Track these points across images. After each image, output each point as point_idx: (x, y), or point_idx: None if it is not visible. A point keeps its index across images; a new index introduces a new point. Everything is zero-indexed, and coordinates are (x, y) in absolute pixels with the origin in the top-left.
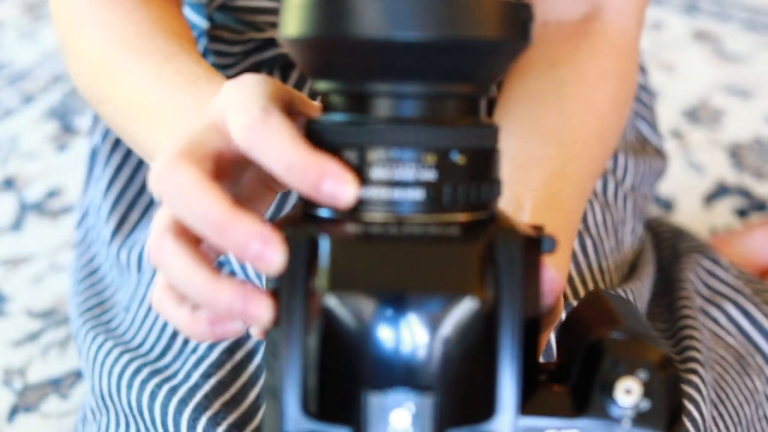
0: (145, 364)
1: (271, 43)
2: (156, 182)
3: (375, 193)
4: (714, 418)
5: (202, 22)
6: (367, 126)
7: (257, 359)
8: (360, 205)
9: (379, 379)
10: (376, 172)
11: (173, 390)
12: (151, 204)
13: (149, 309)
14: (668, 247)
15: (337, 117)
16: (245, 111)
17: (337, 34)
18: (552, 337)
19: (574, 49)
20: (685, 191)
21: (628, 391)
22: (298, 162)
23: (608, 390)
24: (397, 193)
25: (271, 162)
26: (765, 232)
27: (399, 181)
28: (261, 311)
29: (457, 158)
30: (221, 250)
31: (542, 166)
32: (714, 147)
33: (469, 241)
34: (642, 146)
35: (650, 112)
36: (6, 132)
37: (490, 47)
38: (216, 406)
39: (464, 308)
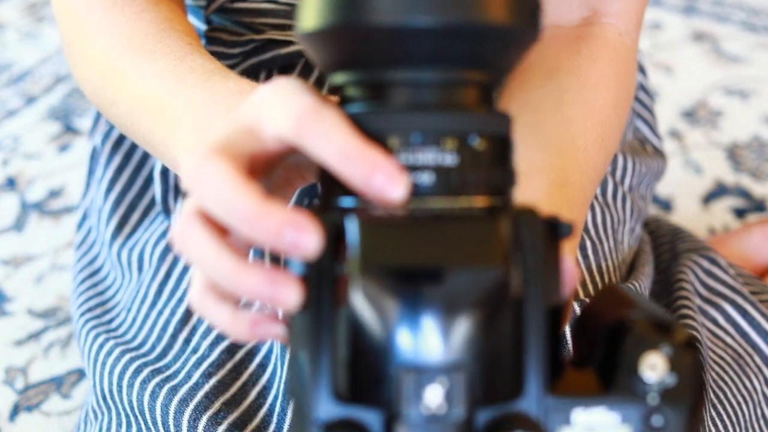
0: (145, 364)
1: (270, 44)
2: (189, 177)
3: None
4: (712, 418)
5: (200, 25)
6: (385, 113)
7: (258, 359)
8: None
9: (411, 357)
10: (397, 159)
11: (174, 389)
12: (151, 205)
13: (150, 309)
14: (667, 247)
15: (355, 108)
16: (296, 101)
17: (354, 23)
18: (567, 334)
19: (573, 54)
20: (684, 191)
21: (653, 367)
22: (354, 151)
23: (633, 367)
24: (419, 178)
25: (325, 150)
26: (763, 231)
27: (420, 166)
28: (289, 295)
29: (476, 143)
30: (254, 242)
31: (544, 174)
32: (712, 147)
33: (494, 217)
34: (641, 147)
35: (649, 113)
36: (8, 132)
37: (503, 33)
38: (217, 405)
39: (493, 281)
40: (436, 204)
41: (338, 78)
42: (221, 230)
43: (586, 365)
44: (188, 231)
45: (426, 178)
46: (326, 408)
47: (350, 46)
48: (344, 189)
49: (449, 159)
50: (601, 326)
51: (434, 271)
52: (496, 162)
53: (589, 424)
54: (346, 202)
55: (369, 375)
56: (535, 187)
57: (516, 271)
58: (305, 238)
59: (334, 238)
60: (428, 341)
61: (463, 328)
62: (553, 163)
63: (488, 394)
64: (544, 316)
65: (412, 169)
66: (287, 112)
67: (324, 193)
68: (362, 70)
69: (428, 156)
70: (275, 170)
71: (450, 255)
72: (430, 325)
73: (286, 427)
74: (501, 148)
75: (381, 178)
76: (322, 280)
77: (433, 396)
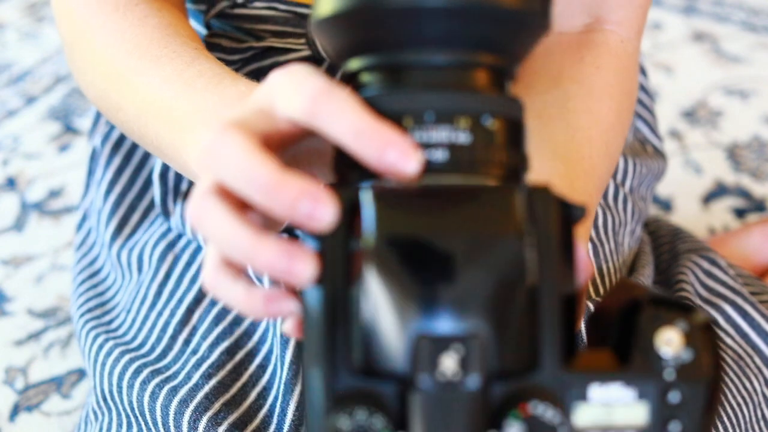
0: (145, 365)
1: (270, 51)
2: (207, 151)
3: None
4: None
5: (200, 29)
6: (399, 94)
7: (258, 359)
8: None
9: (426, 327)
10: (410, 136)
11: (174, 390)
12: (151, 207)
13: (149, 310)
14: (666, 248)
15: (369, 92)
16: (309, 83)
17: (369, 5)
18: (582, 330)
19: (577, 62)
20: (684, 191)
21: (668, 342)
22: (367, 128)
23: (649, 343)
24: (432, 155)
25: (339, 128)
26: (763, 231)
27: (433, 144)
28: (304, 268)
29: (489, 123)
30: (271, 214)
31: (551, 182)
32: (712, 147)
33: (507, 191)
34: (641, 147)
35: (649, 113)
36: (8, 132)
37: (515, 16)
38: (217, 406)
39: (508, 251)
40: (450, 180)
41: (353, 64)
42: (238, 205)
43: (601, 347)
44: (204, 205)
45: (439, 155)
46: (342, 381)
47: (365, 29)
48: (359, 172)
49: (462, 137)
50: (614, 312)
51: (447, 243)
52: (508, 143)
53: (605, 399)
54: (360, 182)
55: (384, 348)
56: None
57: (530, 243)
58: (321, 209)
59: (349, 213)
60: (443, 313)
61: (478, 299)
62: (560, 171)
63: (504, 366)
64: (557, 291)
65: (425, 146)
66: (300, 92)
67: (338, 178)
68: (377, 53)
69: (442, 134)
70: (287, 154)
71: (465, 225)
72: (444, 294)
73: (286, 427)
74: (513, 130)
75: (394, 153)
76: (337, 254)
77: (449, 363)
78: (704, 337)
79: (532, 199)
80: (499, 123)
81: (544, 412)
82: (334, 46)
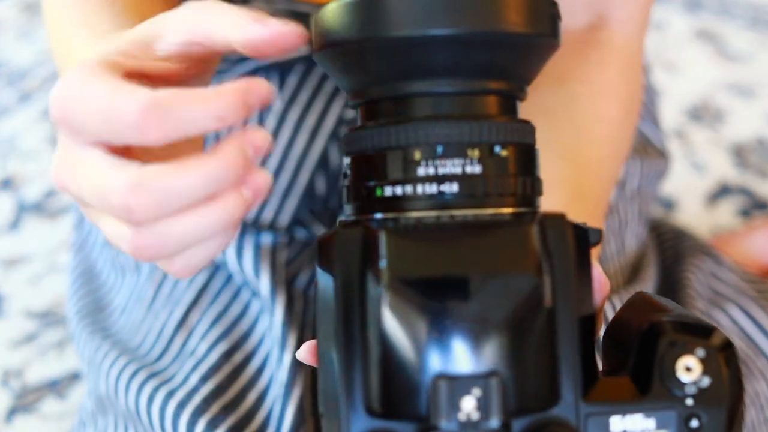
0: (142, 367)
1: None
2: (54, 102)
3: (422, 189)
4: None
5: None
6: (409, 126)
7: (256, 362)
8: (409, 202)
9: (444, 368)
10: (422, 170)
11: (171, 393)
12: None
13: (147, 311)
14: (670, 249)
15: (377, 123)
16: (188, 5)
17: (373, 36)
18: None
19: (582, 61)
20: (688, 191)
21: (688, 369)
22: (244, 16)
23: (668, 370)
24: (444, 188)
25: (220, 28)
26: (767, 232)
27: (445, 176)
28: (264, 92)
29: (500, 151)
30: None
31: (561, 185)
32: (716, 146)
33: (521, 224)
34: (645, 147)
35: (653, 112)
36: (4, 132)
37: (523, 41)
38: (214, 409)
39: (524, 289)
40: (463, 212)
41: (359, 94)
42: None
43: (620, 372)
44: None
45: (451, 188)
46: (360, 423)
47: (370, 60)
48: (369, 205)
49: (474, 168)
50: (632, 332)
51: (463, 281)
52: (520, 170)
53: (626, 430)
54: (374, 216)
55: (402, 388)
56: (552, 198)
57: (547, 278)
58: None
59: (363, 252)
60: (461, 352)
61: (495, 337)
62: (570, 174)
63: (523, 403)
64: (576, 322)
65: (437, 179)
66: (183, 12)
67: (355, 212)
68: (383, 84)
69: (452, 167)
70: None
71: (478, 264)
72: (461, 335)
73: (284, 431)
74: (525, 156)
75: (273, 26)
76: (353, 294)
77: (468, 406)
78: (724, 362)
79: (546, 229)
80: (511, 150)
81: None
82: (338, 76)
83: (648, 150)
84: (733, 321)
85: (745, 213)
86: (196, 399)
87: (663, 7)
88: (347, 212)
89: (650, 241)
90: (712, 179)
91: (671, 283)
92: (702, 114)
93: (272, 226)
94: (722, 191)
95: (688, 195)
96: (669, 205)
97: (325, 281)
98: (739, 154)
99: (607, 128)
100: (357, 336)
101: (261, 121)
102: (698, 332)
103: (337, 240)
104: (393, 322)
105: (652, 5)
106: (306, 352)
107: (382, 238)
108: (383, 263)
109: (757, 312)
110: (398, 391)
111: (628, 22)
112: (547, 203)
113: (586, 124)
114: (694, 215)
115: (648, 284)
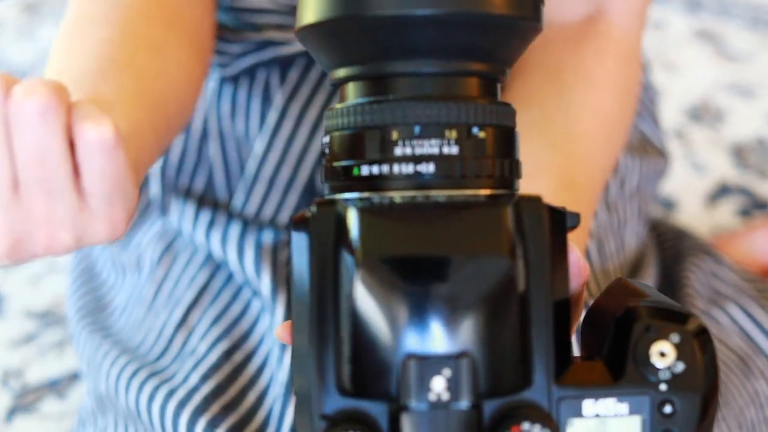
0: (143, 366)
1: (270, 43)
2: None
3: (398, 169)
4: (717, 421)
5: None
6: (388, 105)
7: (256, 361)
8: (386, 182)
9: (415, 348)
10: (399, 150)
11: (171, 392)
12: (149, 206)
13: (147, 311)
14: (670, 248)
15: (355, 102)
16: None
17: (355, 14)
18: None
19: (577, 52)
20: (688, 191)
21: (662, 355)
22: None
23: (642, 355)
24: (421, 168)
25: None
26: (767, 231)
27: (422, 156)
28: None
29: (479, 133)
30: None
31: (550, 174)
32: (716, 146)
33: (496, 205)
34: (644, 147)
35: (653, 111)
36: None
37: (504, 23)
38: (215, 408)
39: (497, 271)
40: (439, 193)
41: (339, 72)
42: None
43: (595, 357)
44: None
45: (428, 169)
46: (331, 402)
47: (351, 38)
48: (346, 184)
49: (451, 149)
50: (608, 317)
51: (436, 261)
52: (499, 153)
53: (599, 414)
54: (348, 195)
55: (373, 368)
56: (541, 186)
57: (520, 260)
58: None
59: (337, 230)
60: (431, 332)
61: (466, 318)
62: (560, 162)
63: (494, 385)
64: (550, 305)
65: (414, 159)
66: None
67: (329, 189)
68: (363, 62)
69: (429, 147)
70: None
71: (451, 245)
72: (432, 315)
73: (284, 430)
74: (504, 138)
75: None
76: (326, 273)
77: (438, 386)
78: (698, 347)
79: (522, 211)
80: (490, 132)
81: None
82: (319, 54)
83: (647, 149)
84: (733, 320)
85: (745, 213)
86: (197, 398)
87: (663, 7)
88: (325, 192)
89: (650, 241)
90: (712, 179)
91: (671, 283)
92: (702, 114)
93: (273, 223)
94: (722, 191)
95: (688, 195)
96: (669, 205)
97: (298, 260)
98: (739, 154)
99: (601, 119)
100: (330, 315)
101: (263, 116)
102: (673, 318)
103: (312, 218)
104: (365, 300)
105: (651, 0)
106: (283, 332)
107: (357, 217)
108: (357, 242)
109: (757, 311)
110: (369, 370)
111: (627, 14)
112: (537, 189)
113: (579, 114)
114: (694, 215)
115: (648, 283)
